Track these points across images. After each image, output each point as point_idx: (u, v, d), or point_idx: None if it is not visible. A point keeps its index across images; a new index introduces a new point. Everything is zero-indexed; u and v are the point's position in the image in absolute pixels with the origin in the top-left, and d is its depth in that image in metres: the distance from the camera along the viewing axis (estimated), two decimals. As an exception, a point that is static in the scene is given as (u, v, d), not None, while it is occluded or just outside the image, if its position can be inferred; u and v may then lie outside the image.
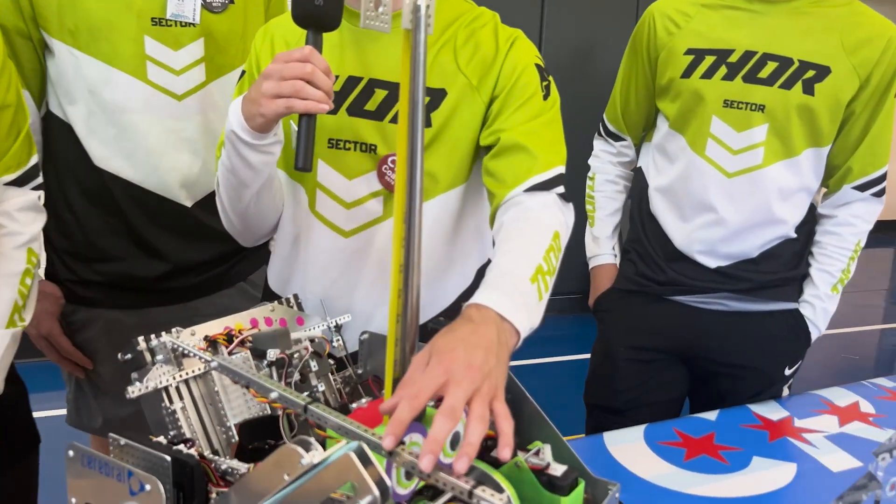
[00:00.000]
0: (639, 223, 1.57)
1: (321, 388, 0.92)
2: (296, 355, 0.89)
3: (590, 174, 1.67)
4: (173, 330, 0.85)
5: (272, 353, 0.86)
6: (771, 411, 1.42)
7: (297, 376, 0.89)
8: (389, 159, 1.09)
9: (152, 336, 0.83)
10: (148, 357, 0.83)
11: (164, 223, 1.40)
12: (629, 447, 1.26)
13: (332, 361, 0.97)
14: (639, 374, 1.53)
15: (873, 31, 1.39)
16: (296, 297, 1.02)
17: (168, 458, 0.71)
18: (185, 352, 0.82)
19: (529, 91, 1.08)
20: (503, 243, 0.94)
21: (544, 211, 0.99)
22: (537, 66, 1.11)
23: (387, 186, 1.11)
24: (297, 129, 0.99)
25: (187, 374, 0.83)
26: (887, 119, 1.43)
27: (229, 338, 0.87)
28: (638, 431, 1.32)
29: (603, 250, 1.60)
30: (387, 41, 1.08)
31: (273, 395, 0.74)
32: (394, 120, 1.08)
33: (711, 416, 1.40)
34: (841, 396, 1.50)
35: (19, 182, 1.14)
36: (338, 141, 1.11)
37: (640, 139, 1.61)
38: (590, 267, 1.63)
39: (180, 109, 1.36)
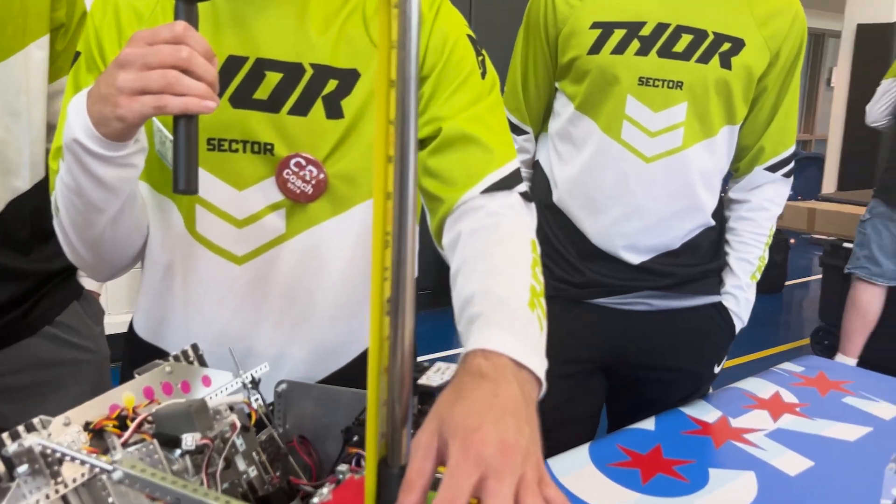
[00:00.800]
0: (544, 222, 1.42)
1: (252, 472, 0.68)
2: (219, 436, 0.64)
3: None
4: (36, 421, 0.57)
5: (190, 439, 0.61)
6: (704, 412, 1.34)
7: (221, 463, 0.64)
8: (292, 161, 0.86)
9: (6, 438, 0.55)
10: (3, 469, 0.55)
11: None
12: (581, 474, 1.12)
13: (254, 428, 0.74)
14: (561, 391, 1.38)
15: (779, 2, 1.33)
16: (195, 347, 0.76)
17: None
18: (65, 457, 0.55)
19: (466, 68, 0.89)
20: (479, 260, 0.74)
21: (513, 217, 0.81)
22: (469, 37, 0.92)
23: (290, 196, 0.87)
24: (166, 134, 0.74)
25: (66, 486, 0.56)
26: (795, 96, 1.39)
27: (121, 422, 0.61)
28: (582, 453, 1.18)
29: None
30: (276, 10, 0.85)
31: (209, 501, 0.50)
32: (295, 111, 0.85)
33: (649, 425, 1.29)
34: (760, 387, 1.45)
35: None
36: (221, 141, 0.86)
37: (539, 130, 1.46)
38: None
39: None
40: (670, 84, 1.28)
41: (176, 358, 0.73)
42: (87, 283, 1.26)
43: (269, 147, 0.85)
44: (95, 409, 0.62)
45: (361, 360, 0.94)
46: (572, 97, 1.35)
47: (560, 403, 1.38)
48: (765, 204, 1.40)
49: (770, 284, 5.30)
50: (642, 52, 1.28)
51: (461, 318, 0.70)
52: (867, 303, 3.24)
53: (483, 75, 0.91)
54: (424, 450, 0.52)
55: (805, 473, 1.14)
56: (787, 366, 1.57)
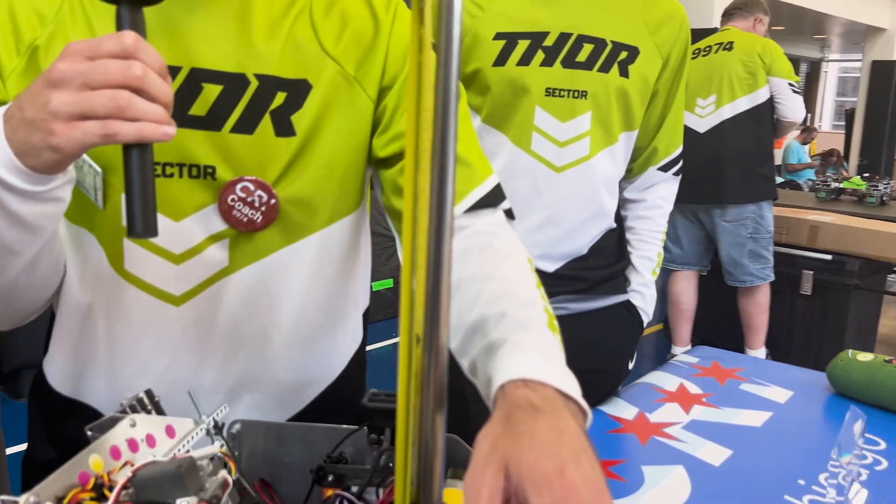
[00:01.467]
0: None
1: (239, 528, 0.62)
2: (213, 498, 0.57)
3: None
4: (1, 500, 0.49)
5: (185, 503, 0.54)
6: (622, 410, 1.38)
7: (211, 524, 0.58)
8: (238, 186, 0.78)
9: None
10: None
11: None
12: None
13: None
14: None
15: (668, 9, 1.39)
16: (150, 393, 0.68)
17: None
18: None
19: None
20: (478, 284, 0.70)
21: (504, 234, 0.77)
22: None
23: (236, 225, 0.79)
24: (84, 157, 0.66)
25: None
26: (682, 97, 1.46)
27: (98, 491, 0.53)
28: (519, 463, 1.18)
29: None
30: (212, 13, 0.76)
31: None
32: (239, 128, 0.77)
33: (575, 427, 1.31)
34: (665, 380, 1.51)
35: None
36: (154, 164, 0.78)
37: None
38: None
39: None
40: (575, 94, 1.31)
41: (132, 408, 0.65)
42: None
43: (209, 170, 0.77)
44: (63, 479, 0.54)
45: (322, 401, 0.88)
46: (478, 109, 1.35)
47: (478, 413, 1.38)
48: (659, 202, 1.47)
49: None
50: (547, 62, 1.30)
51: (469, 345, 0.66)
52: (677, 293, 3.54)
53: None
54: (490, 491, 0.48)
55: (727, 462, 1.20)
56: (684, 357, 1.65)
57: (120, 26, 0.62)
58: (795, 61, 17.53)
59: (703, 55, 3.34)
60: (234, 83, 0.76)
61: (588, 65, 1.32)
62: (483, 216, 0.79)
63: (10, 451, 1.62)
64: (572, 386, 0.59)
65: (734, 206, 3.26)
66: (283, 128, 0.78)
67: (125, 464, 0.58)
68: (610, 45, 1.32)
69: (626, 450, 1.23)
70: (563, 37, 1.31)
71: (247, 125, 0.77)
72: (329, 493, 0.71)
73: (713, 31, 3.59)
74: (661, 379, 1.53)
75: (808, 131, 9.71)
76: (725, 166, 3.25)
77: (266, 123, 0.78)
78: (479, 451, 0.51)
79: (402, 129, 0.81)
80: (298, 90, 0.79)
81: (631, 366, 1.49)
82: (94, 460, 0.57)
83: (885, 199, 4.38)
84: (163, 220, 0.77)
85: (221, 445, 0.65)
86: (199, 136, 0.76)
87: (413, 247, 0.48)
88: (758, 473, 1.16)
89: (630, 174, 1.49)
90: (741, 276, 3.36)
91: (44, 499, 0.51)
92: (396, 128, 0.82)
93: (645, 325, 1.47)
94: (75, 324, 0.82)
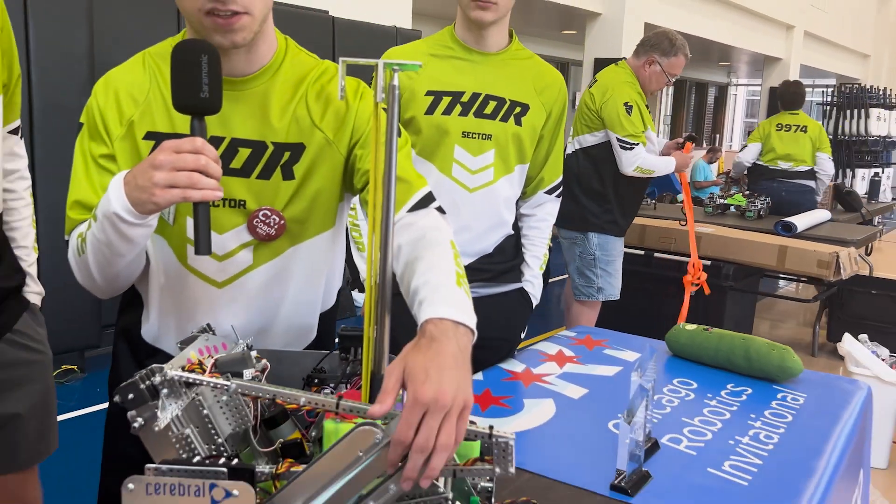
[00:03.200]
0: None
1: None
2: (260, 372, 1.03)
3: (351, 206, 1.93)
4: (161, 368, 0.93)
5: (248, 373, 0.99)
6: (514, 366, 1.87)
7: (258, 390, 1.03)
8: (260, 213, 1.22)
9: (150, 373, 0.91)
10: (148, 394, 0.90)
11: None
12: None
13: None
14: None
15: (551, 77, 1.90)
16: (209, 325, 1.13)
17: (224, 470, 0.84)
18: (191, 381, 0.92)
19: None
20: (417, 262, 1.09)
21: (434, 226, 1.18)
22: (383, 108, 1.32)
23: (257, 237, 1.23)
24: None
25: (187, 400, 0.93)
26: (561, 142, 1.97)
27: (201, 366, 0.98)
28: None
29: None
30: (247, 102, 1.19)
31: (302, 400, 0.91)
32: (261, 175, 1.21)
33: (479, 377, 1.78)
34: (549, 347, 2.01)
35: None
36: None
37: None
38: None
39: None
40: (483, 136, 1.80)
41: (204, 330, 1.10)
42: (31, 297, 1.51)
43: (242, 203, 1.20)
44: (178, 361, 0.98)
45: (316, 344, 1.33)
46: (413, 145, 1.83)
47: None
48: (546, 217, 1.98)
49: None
50: (463, 113, 1.79)
51: (412, 304, 1.08)
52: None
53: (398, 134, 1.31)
54: (395, 379, 0.87)
55: (584, 397, 1.69)
56: (566, 332, 2.16)
57: (192, 132, 1.04)
58: (704, 85, 18.70)
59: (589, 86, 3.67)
60: (258, 147, 1.20)
61: (493, 116, 1.81)
62: (422, 214, 1.20)
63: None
64: (462, 316, 0.97)
65: (564, 230, 3.65)
66: (288, 174, 1.22)
67: (207, 357, 1.02)
68: (508, 103, 1.83)
69: (513, 390, 1.72)
70: (475, 95, 1.81)
71: (266, 174, 1.21)
72: (314, 389, 1.16)
73: (615, 60, 3.82)
74: (546, 346, 2.02)
75: (712, 151, 10.54)
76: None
77: (278, 172, 1.22)
78: (396, 358, 0.93)
79: (368, 167, 1.24)
80: (297, 150, 1.22)
81: (523, 336, 1.99)
82: (192, 355, 1.01)
83: (762, 213, 5.05)
84: (212, 234, 1.20)
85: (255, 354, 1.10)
86: (235, 181, 1.19)
87: (373, 236, 0.95)
88: (603, 404, 1.66)
89: (524, 196, 1.99)
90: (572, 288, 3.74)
91: (175, 366, 0.95)
92: (363, 167, 1.24)
93: (533, 306, 1.97)
94: (156, 297, 1.25)
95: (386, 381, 0.87)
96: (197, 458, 0.91)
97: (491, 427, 0.92)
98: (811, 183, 5.51)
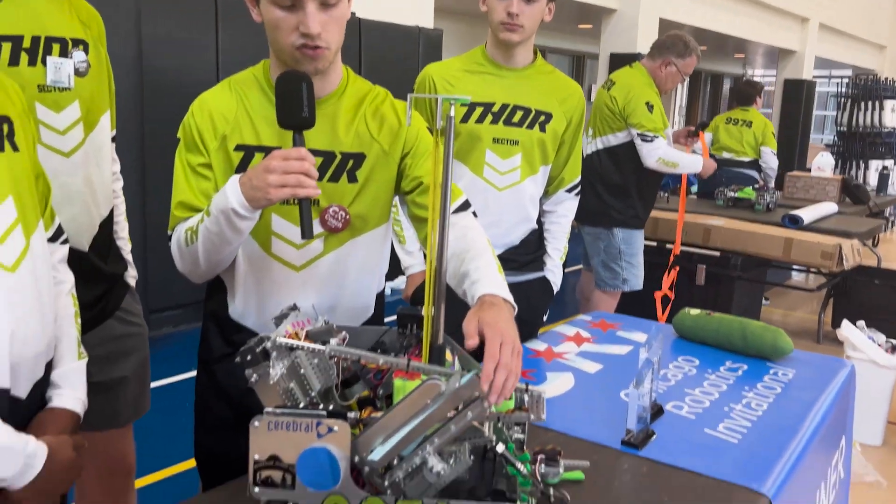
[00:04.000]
0: None
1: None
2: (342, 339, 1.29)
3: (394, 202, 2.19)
4: (264, 336, 1.19)
5: (334, 341, 1.25)
6: (537, 345, 2.12)
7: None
8: (330, 209, 1.48)
9: (262, 340, 1.17)
10: (261, 357, 1.17)
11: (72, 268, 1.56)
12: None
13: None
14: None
15: (571, 89, 2.15)
16: (294, 305, 1.39)
17: (324, 413, 1.10)
18: (293, 346, 1.18)
19: (428, 146, 1.53)
20: (464, 253, 1.40)
21: (473, 225, 1.48)
22: (428, 129, 1.57)
23: (328, 229, 1.48)
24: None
25: (289, 361, 1.19)
26: (580, 145, 2.22)
27: (297, 336, 1.24)
28: (472, 372, 1.91)
29: (416, 260, 2.14)
30: (320, 121, 1.42)
31: (381, 360, 1.17)
32: (331, 179, 1.47)
33: (507, 354, 2.04)
34: (567, 330, 2.26)
35: (54, 238, 1.30)
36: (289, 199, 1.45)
37: None
38: (406, 274, 2.16)
39: (68, 166, 1.53)
40: (511, 142, 2.05)
41: (292, 308, 1.36)
42: (130, 280, 1.78)
43: (316, 201, 1.46)
44: (279, 333, 1.24)
45: (369, 322, 1.59)
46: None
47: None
48: (566, 213, 2.23)
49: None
50: (494, 121, 2.05)
51: (462, 283, 1.36)
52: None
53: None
54: (473, 326, 1.19)
55: (599, 371, 1.95)
56: (583, 317, 2.41)
57: (294, 143, 1.32)
58: (719, 77, 18.80)
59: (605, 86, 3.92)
60: (328, 156, 1.46)
61: (520, 123, 2.06)
62: (462, 216, 1.49)
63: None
64: (509, 296, 1.31)
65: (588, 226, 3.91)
66: (352, 178, 1.49)
67: (300, 329, 1.28)
68: (533, 112, 2.08)
69: (536, 365, 1.97)
70: (504, 106, 2.06)
71: (335, 177, 1.47)
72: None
73: (635, 56, 4.02)
74: (565, 329, 2.28)
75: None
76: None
77: (344, 177, 1.48)
78: (468, 316, 1.23)
79: (415, 173, 1.51)
80: (359, 158, 1.49)
81: (545, 319, 2.24)
82: (288, 328, 1.27)
83: (770, 206, 5.27)
84: (291, 227, 1.46)
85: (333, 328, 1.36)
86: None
87: (432, 233, 1.20)
88: (617, 378, 1.91)
89: (547, 194, 2.24)
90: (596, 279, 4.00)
91: (277, 335, 1.21)
92: (412, 174, 1.52)
93: (554, 292, 2.22)
94: (243, 284, 1.50)
95: (468, 328, 1.21)
96: (302, 405, 1.17)
97: (526, 384, 1.17)
98: (754, 173, 6.09)
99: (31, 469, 1.09)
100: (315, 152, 1.43)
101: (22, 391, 1.15)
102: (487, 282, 1.32)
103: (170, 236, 1.47)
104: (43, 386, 1.21)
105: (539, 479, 1.25)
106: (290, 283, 1.49)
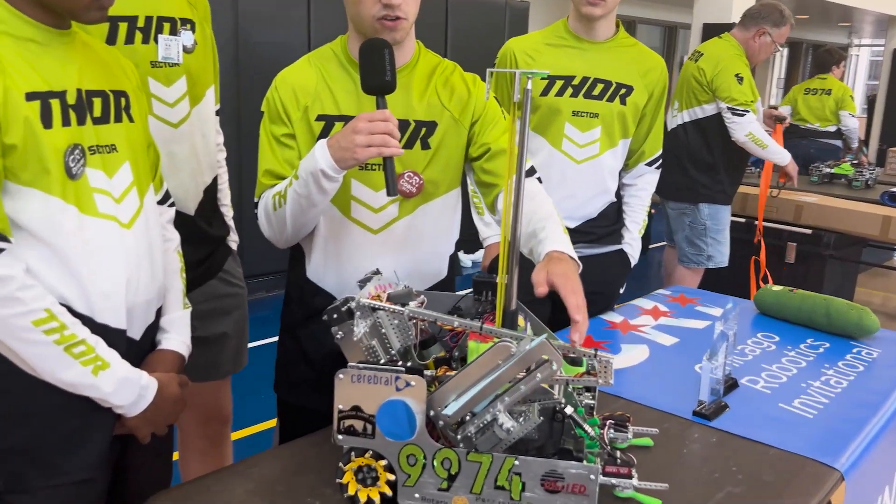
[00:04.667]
0: None
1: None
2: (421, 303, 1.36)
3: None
4: (350, 297, 1.27)
5: (413, 304, 1.32)
6: (613, 317, 2.15)
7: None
8: (405, 174, 1.55)
9: (346, 301, 1.25)
10: (346, 315, 1.25)
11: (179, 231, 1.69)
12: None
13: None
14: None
15: (653, 62, 2.14)
16: (378, 270, 1.47)
17: (403, 369, 1.17)
18: (375, 307, 1.26)
19: (497, 114, 1.60)
20: (533, 213, 1.46)
21: (540, 190, 1.55)
22: (494, 97, 1.64)
23: (402, 194, 1.56)
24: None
25: (371, 321, 1.27)
26: (661, 118, 2.21)
27: (379, 298, 1.32)
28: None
29: (493, 231, 2.19)
30: (398, 91, 1.47)
31: (456, 322, 1.23)
32: (406, 145, 1.53)
33: (583, 325, 2.08)
34: (645, 303, 2.28)
35: (163, 201, 1.44)
36: (367, 165, 1.52)
37: None
38: (485, 245, 2.22)
39: (177, 135, 1.65)
40: (591, 115, 2.07)
41: (375, 273, 1.44)
42: (232, 244, 1.90)
43: None
44: (363, 295, 1.32)
45: (441, 285, 1.66)
46: (529, 122, 2.11)
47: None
48: (646, 186, 2.23)
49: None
50: (574, 94, 2.06)
51: (529, 241, 1.42)
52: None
53: (504, 116, 1.63)
54: (542, 278, 1.26)
55: (675, 344, 1.96)
56: (662, 291, 2.42)
57: (378, 106, 1.39)
58: (821, 47, 17.85)
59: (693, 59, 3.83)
60: (403, 124, 1.52)
61: (600, 97, 2.08)
62: (529, 182, 1.54)
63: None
64: (574, 254, 1.36)
65: (673, 202, 3.85)
66: (425, 145, 1.55)
67: (382, 292, 1.35)
68: (614, 85, 2.08)
69: (612, 336, 2.00)
70: (585, 79, 2.07)
71: (409, 144, 1.54)
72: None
73: (729, 26, 3.88)
74: (643, 302, 2.29)
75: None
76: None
77: (418, 143, 1.55)
78: (536, 269, 1.28)
79: (483, 140, 1.57)
80: (431, 126, 1.56)
81: (621, 291, 2.26)
82: (372, 290, 1.35)
83: (869, 183, 5.05)
84: (370, 191, 1.54)
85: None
86: None
87: (509, 195, 1.25)
88: (692, 351, 1.92)
89: (627, 167, 2.25)
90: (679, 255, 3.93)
91: (361, 297, 1.29)
92: (480, 140, 1.58)
93: (631, 265, 2.24)
94: (322, 246, 1.59)
95: (537, 278, 1.29)
96: (383, 361, 1.25)
97: (595, 350, 1.22)
98: (838, 142, 5.94)
99: (143, 399, 1.25)
100: None
101: (136, 333, 1.30)
102: (554, 240, 1.38)
103: (256, 203, 1.57)
104: (153, 330, 1.36)
105: (606, 442, 1.30)
106: (368, 246, 1.57)
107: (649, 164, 2.23)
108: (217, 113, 1.83)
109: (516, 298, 1.29)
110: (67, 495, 1.24)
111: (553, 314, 2.25)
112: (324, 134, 1.51)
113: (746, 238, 4.51)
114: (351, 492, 1.20)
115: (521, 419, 1.17)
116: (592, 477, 1.13)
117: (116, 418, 1.26)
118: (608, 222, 2.19)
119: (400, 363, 1.25)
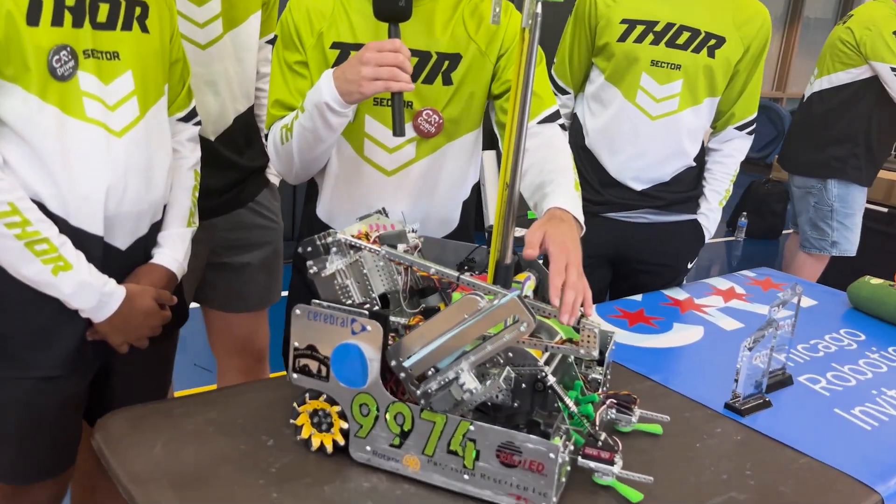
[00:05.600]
0: (576, 157, 2.00)
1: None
2: (412, 248, 1.26)
3: None
4: (333, 231, 1.19)
5: (401, 247, 1.22)
6: (677, 294, 1.95)
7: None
8: (424, 112, 1.43)
9: (324, 235, 1.17)
10: (322, 250, 1.17)
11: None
12: (590, 319, 1.73)
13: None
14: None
15: (753, 11, 1.89)
16: (384, 209, 1.37)
17: (366, 312, 1.08)
18: (353, 244, 1.17)
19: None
20: (545, 163, 1.32)
21: (559, 139, 1.39)
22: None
23: (420, 133, 1.44)
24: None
25: (350, 259, 1.18)
26: (759, 77, 1.96)
27: (367, 236, 1.23)
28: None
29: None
30: (415, 19, 1.35)
31: (432, 270, 1.12)
32: (426, 80, 1.41)
33: (638, 298, 1.90)
34: (722, 283, 2.05)
35: (186, 118, 1.43)
36: (382, 100, 1.41)
37: (578, 91, 2.05)
38: None
39: (204, 57, 1.60)
40: (672, 66, 1.85)
41: (380, 213, 1.35)
42: (271, 178, 1.87)
43: (409, 104, 1.41)
44: (350, 231, 1.24)
45: (456, 233, 1.55)
46: (603, 70, 1.93)
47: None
48: (732, 153, 1.99)
49: (768, 230, 5.86)
50: (655, 42, 1.85)
51: (534, 194, 1.28)
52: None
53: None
54: (537, 238, 1.12)
55: (737, 330, 1.75)
56: (745, 272, 2.17)
57: (390, 34, 1.27)
58: None
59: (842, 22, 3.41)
60: (423, 56, 1.40)
61: (684, 46, 1.85)
62: (547, 128, 1.40)
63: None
64: (579, 214, 1.22)
65: (799, 177, 3.44)
66: (447, 80, 1.42)
67: (375, 231, 1.26)
68: (703, 34, 1.85)
69: (667, 313, 1.81)
70: (669, 25, 1.85)
71: (430, 79, 1.41)
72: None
73: None
74: (719, 282, 2.07)
75: None
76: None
77: (439, 79, 1.42)
78: (532, 226, 1.15)
79: (507, 76, 1.42)
80: (455, 59, 1.42)
81: (690, 266, 2.05)
82: (363, 227, 1.26)
83: None
84: (384, 129, 1.42)
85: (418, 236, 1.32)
86: None
87: (508, 141, 1.12)
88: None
89: (714, 131, 2.01)
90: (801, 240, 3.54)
91: (347, 232, 1.20)
92: (505, 77, 1.43)
93: (706, 239, 2.02)
94: (333, 185, 1.50)
95: (530, 237, 1.15)
96: (349, 302, 1.16)
97: (582, 315, 1.07)
98: None
99: (106, 307, 1.25)
100: (410, 52, 1.37)
101: (120, 242, 1.28)
102: (560, 195, 1.24)
103: (266, 135, 1.49)
104: (146, 243, 1.33)
105: (597, 422, 1.15)
106: (381, 188, 1.47)
107: (740, 129, 1.98)
108: (272, 42, 1.78)
109: (512, 251, 1.16)
110: (33, 390, 1.26)
111: (614, 282, 2.09)
112: (338, 63, 1.40)
113: (886, 231, 4.04)
114: (304, 435, 1.13)
115: (489, 382, 1.06)
116: (552, 455, 1.00)
117: (90, 323, 1.26)
118: (682, 188, 1.97)
119: (375, 307, 1.17)
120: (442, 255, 1.38)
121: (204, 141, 1.60)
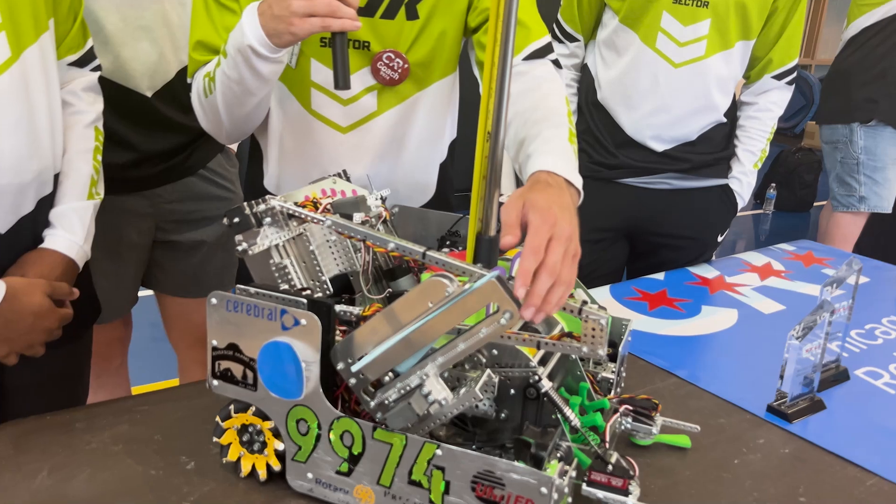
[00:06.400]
0: (588, 115, 1.74)
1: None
2: (374, 219, 1.01)
3: None
4: (267, 197, 0.94)
5: (357, 217, 0.97)
6: (706, 272, 1.68)
7: (372, 237, 1.01)
8: (384, 55, 1.16)
9: (257, 202, 0.92)
10: (253, 221, 0.92)
11: (125, 113, 1.39)
12: (600, 302, 1.47)
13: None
14: (589, 252, 1.73)
15: None
16: (345, 172, 1.12)
17: (304, 300, 0.83)
18: (292, 214, 0.91)
19: None
20: (531, 112, 1.05)
21: (550, 79, 1.11)
22: None
23: (381, 81, 1.18)
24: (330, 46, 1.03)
25: (292, 233, 0.93)
26: (801, 16, 1.66)
27: (315, 204, 0.97)
28: (604, 290, 1.54)
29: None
30: None
31: (391, 245, 0.87)
32: (385, 15, 1.15)
33: (659, 276, 1.63)
34: (756, 258, 1.78)
35: (80, 63, 1.16)
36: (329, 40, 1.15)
37: (589, 38, 1.77)
38: None
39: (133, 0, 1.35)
40: (698, 3, 1.57)
41: (338, 176, 1.09)
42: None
43: (366, 44, 1.15)
44: (298, 196, 0.99)
45: (434, 201, 1.29)
46: (617, 11, 1.65)
47: (586, 263, 1.73)
48: (770, 106, 1.71)
49: (798, 202, 5.53)
50: None
51: (519, 154, 1.01)
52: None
53: None
54: (515, 214, 0.83)
55: (777, 313, 1.48)
56: (783, 245, 1.90)
57: None
58: None
59: None
60: None
61: None
62: (536, 65, 1.13)
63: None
64: (574, 176, 0.94)
65: (826, 127, 3.12)
66: (412, 14, 1.15)
67: (327, 198, 1.01)
68: None
69: (695, 294, 1.54)
70: None
71: (390, 13, 1.15)
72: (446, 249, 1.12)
73: None
74: (753, 257, 1.79)
75: None
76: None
77: (402, 11, 1.15)
78: (511, 196, 0.88)
79: (486, 4, 1.16)
80: None
81: (720, 239, 1.77)
82: (312, 193, 1.01)
83: None
84: None
85: (380, 201, 1.07)
86: (360, 21, 1.11)
87: (489, 79, 0.85)
88: (794, 324, 1.44)
89: (748, 80, 1.73)
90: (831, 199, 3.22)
91: (289, 200, 0.95)
92: (482, 5, 1.16)
93: (739, 207, 1.74)
94: (278, 147, 1.24)
95: (506, 216, 0.85)
96: (284, 288, 0.91)
97: (584, 302, 0.81)
98: None
99: None
100: None
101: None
102: (548, 153, 0.94)
103: (189, 84, 1.21)
104: (34, 223, 1.07)
105: (608, 435, 0.90)
106: (335, 148, 1.21)
107: (778, 78, 1.69)
108: None
109: (496, 221, 0.90)
110: None
111: (632, 259, 1.82)
112: None
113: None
114: (231, 457, 0.89)
115: (464, 391, 0.81)
116: (543, 490, 0.74)
117: None
118: (711, 149, 1.69)
119: (329, 293, 0.92)
120: (421, 228, 1.15)
121: (137, 97, 1.36)
